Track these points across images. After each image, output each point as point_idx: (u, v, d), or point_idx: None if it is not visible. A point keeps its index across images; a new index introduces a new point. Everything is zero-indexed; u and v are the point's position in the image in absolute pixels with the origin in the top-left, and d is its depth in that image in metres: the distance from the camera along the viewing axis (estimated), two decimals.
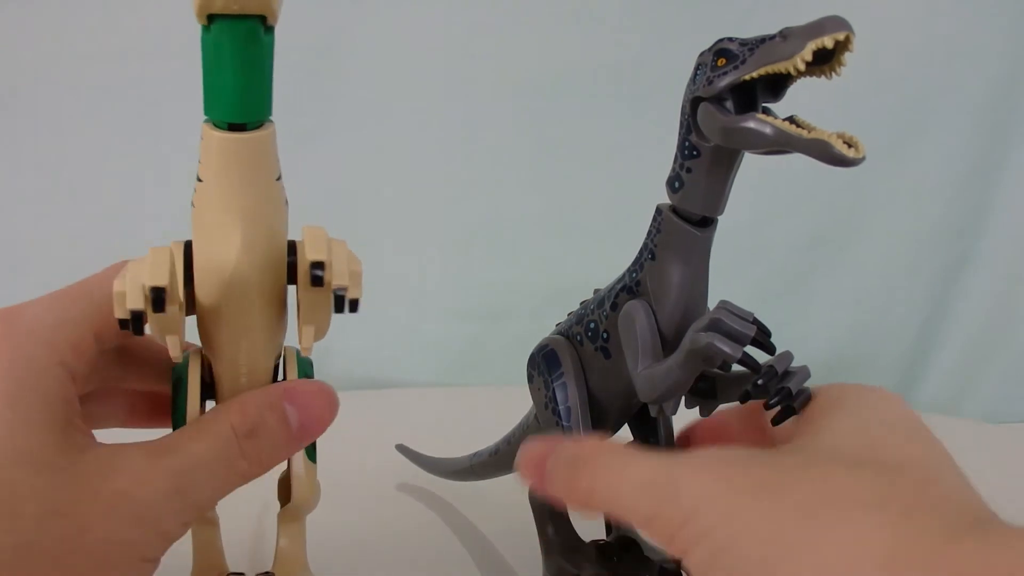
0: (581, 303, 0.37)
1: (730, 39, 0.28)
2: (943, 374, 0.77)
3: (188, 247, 0.28)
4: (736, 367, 0.30)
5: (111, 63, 0.67)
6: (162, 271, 0.26)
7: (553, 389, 0.36)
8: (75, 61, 0.67)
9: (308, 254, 0.27)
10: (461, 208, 0.73)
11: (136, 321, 0.26)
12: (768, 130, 0.27)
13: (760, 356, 0.29)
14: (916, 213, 0.74)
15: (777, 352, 0.30)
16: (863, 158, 0.26)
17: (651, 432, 0.37)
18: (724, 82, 0.28)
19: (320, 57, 0.66)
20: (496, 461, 0.44)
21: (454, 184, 0.72)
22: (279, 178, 0.28)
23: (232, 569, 0.34)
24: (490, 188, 0.72)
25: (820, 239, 0.74)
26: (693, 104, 0.29)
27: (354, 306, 0.28)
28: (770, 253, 0.74)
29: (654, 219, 0.32)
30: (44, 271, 0.72)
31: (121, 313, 0.26)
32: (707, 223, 0.31)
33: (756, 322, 0.29)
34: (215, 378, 0.31)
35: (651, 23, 0.68)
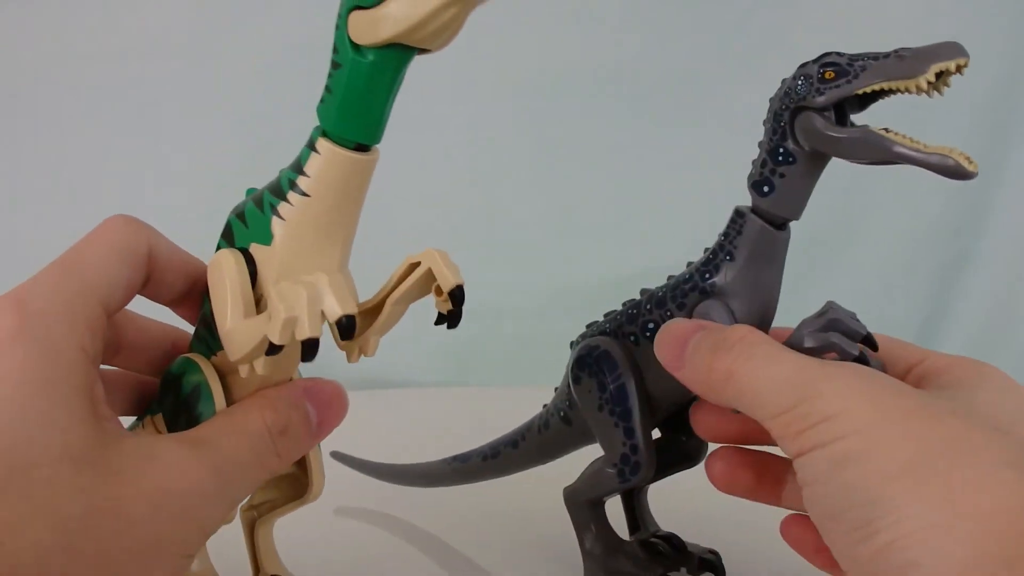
0: (624, 303, 0.37)
1: (838, 53, 0.30)
2: None
3: (246, 255, 0.28)
4: None
5: (111, 63, 0.67)
6: (350, 300, 0.25)
7: (611, 391, 0.36)
8: (75, 61, 0.67)
9: (452, 279, 0.28)
10: (461, 207, 0.73)
11: (313, 348, 0.25)
12: (896, 147, 0.29)
13: None
14: (915, 213, 0.75)
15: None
16: (978, 173, 0.28)
17: (680, 429, 0.37)
18: (839, 94, 0.30)
19: (320, 57, 0.66)
20: (498, 464, 0.44)
21: (454, 184, 0.72)
22: None
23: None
24: (491, 188, 0.72)
25: (819, 239, 0.74)
26: (794, 113, 0.31)
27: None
28: None
29: (733, 221, 0.33)
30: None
31: (284, 339, 0.24)
32: (784, 226, 0.33)
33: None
34: (227, 385, 0.30)
35: (651, 23, 0.68)
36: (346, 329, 0.25)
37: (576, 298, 0.67)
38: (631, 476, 0.36)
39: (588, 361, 0.37)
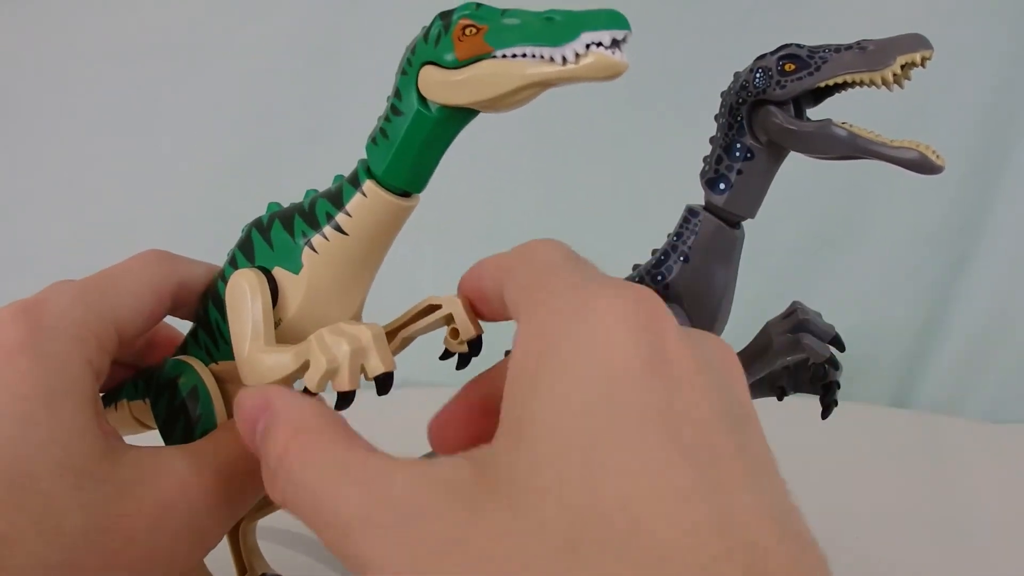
0: None
1: (798, 45, 0.29)
2: (943, 374, 0.77)
3: (268, 276, 0.27)
4: None
5: (111, 63, 0.67)
6: (391, 358, 0.25)
7: None
8: (75, 61, 0.67)
9: (473, 328, 0.29)
10: (461, 207, 0.73)
11: (348, 398, 0.25)
12: (858, 140, 0.28)
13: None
14: (916, 213, 0.74)
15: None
16: (945, 167, 0.28)
17: None
18: (800, 87, 0.28)
19: (320, 57, 0.66)
20: None
21: (454, 183, 0.72)
22: None
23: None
24: (491, 187, 0.72)
25: (820, 240, 0.74)
26: (753, 107, 0.30)
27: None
28: (770, 254, 0.74)
29: (686, 221, 0.32)
30: (44, 271, 0.72)
31: (319, 389, 0.24)
32: (739, 224, 0.32)
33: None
34: (221, 385, 0.30)
35: (651, 23, 0.68)
36: (383, 386, 0.25)
37: None
38: None
39: None
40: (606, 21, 0.22)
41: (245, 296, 0.26)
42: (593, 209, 0.73)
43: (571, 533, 0.17)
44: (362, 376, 0.25)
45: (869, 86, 0.28)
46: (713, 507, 0.17)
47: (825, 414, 0.31)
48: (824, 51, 0.29)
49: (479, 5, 0.24)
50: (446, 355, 0.30)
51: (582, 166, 0.72)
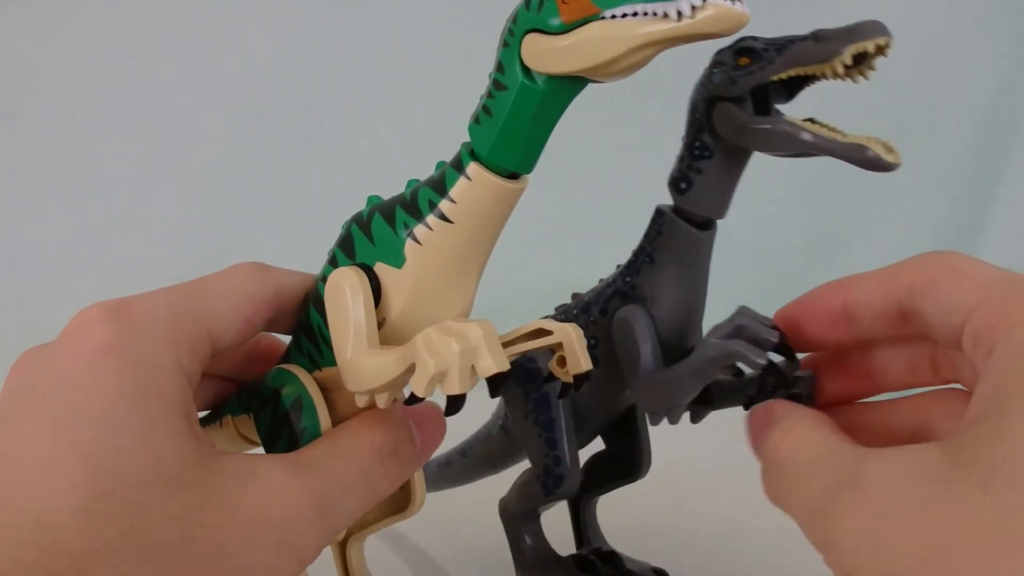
0: (557, 308, 0.36)
1: (753, 38, 0.28)
2: None
3: (369, 273, 0.26)
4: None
5: (111, 63, 0.67)
6: (504, 357, 0.23)
7: (535, 400, 0.34)
8: (75, 61, 0.67)
9: (583, 364, 0.26)
10: None
11: (458, 403, 0.23)
12: (804, 135, 0.26)
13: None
14: (917, 213, 0.74)
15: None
16: (900, 163, 0.26)
17: (632, 442, 0.36)
18: (752, 82, 0.27)
19: (320, 57, 0.66)
20: (450, 473, 0.43)
21: None
22: None
23: None
24: None
25: (820, 240, 0.74)
26: (710, 103, 0.28)
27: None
28: (771, 254, 0.74)
29: (653, 221, 0.31)
30: (44, 271, 0.72)
31: (428, 393, 0.23)
32: (709, 225, 0.30)
33: (776, 328, 0.29)
34: (325, 394, 0.28)
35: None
36: (496, 387, 0.23)
37: None
38: (554, 489, 0.34)
39: (515, 369, 0.36)
40: None
41: (345, 295, 0.25)
42: (593, 209, 0.73)
43: None
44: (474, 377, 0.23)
45: (822, 79, 0.26)
46: None
47: None
48: (780, 43, 0.27)
49: None
50: (550, 378, 0.27)
51: (581, 165, 0.72)
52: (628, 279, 0.32)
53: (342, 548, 0.33)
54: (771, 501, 0.24)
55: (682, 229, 0.30)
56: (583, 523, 0.38)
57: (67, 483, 0.20)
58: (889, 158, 0.26)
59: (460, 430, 0.40)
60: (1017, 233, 0.75)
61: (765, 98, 0.28)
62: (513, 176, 0.25)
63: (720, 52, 0.28)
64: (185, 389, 0.23)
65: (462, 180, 0.25)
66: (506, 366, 0.23)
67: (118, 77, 0.67)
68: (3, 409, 0.22)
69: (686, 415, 0.31)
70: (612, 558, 0.36)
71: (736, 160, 0.29)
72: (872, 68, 0.26)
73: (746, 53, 0.27)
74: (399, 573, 0.44)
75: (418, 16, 0.68)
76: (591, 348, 0.33)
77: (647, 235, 0.31)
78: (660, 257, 0.30)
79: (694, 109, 0.29)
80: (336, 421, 0.27)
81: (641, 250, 0.31)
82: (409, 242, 0.25)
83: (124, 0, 0.66)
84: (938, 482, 0.20)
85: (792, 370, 0.29)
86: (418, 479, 0.31)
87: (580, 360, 0.26)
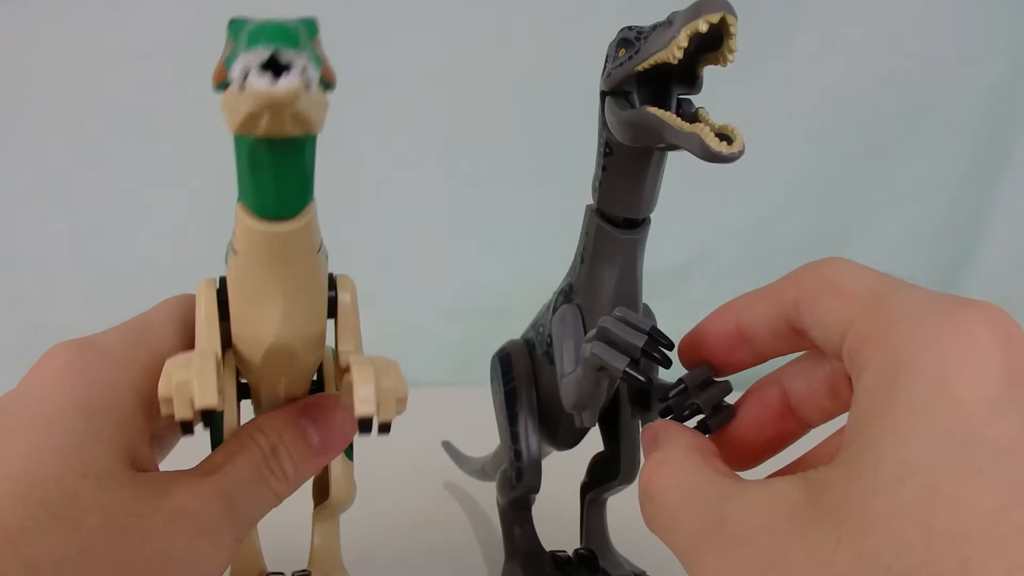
0: (544, 305, 0.36)
1: (629, 27, 0.26)
2: None
3: (222, 285, 0.27)
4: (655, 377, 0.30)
5: (111, 63, 0.67)
6: (211, 389, 0.23)
7: (504, 394, 0.35)
8: (75, 61, 0.67)
9: (358, 407, 0.24)
10: (461, 207, 0.73)
11: (187, 425, 0.24)
12: (650, 122, 0.25)
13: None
14: (917, 213, 0.74)
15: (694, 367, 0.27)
16: (739, 153, 0.23)
17: (615, 444, 0.36)
18: (621, 74, 0.26)
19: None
20: (494, 465, 0.43)
21: (455, 183, 0.72)
22: (319, 249, 0.25)
23: (270, 569, 0.33)
24: (490, 188, 0.72)
25: (820, 239, 0.74)
26: (601, 98, 0.28)
27: (385, 429, 0.26)
28: (771, 254, 0.74)
29: (584, 220, 0.30)
30: (44, 271, 0.72)
31: (167, 412, 0.24)
32: (633, 224, 0.29)
33: (654, 332, 0.27)
34: (251, 386, 0.30)
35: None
36: (205, 420, 0.24)
37: None
38: (517, 482, 0.34)
39: (494, 363, 0.37)
40: (257, 37, 0.18)
41: (199, 304, 0.28)
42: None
43: (895, 567, 0.17)
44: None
45: (675, 63, 0.24)
46: None
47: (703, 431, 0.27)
48: (648, 31, 0.25)
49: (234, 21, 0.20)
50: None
51: (581, 165, 0.72)
52: (568, 279, 0.32)
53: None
54: (647, 526, 0.24)
55: (603, 229, 0.29)
56: (585, 521, 0.38)
57: (6, 473, 0.22)
58: (721, 148, 0.23)
59: None
60: (1017, 233, 0.75)
61: (664, 89, 0.26)
62: (273, 219, 0.23)
63: (609, 45, 0.27)
64: (137, 408, 0.26)
65: (236, 216, 0.24)
66: (211, 401, 0.23)
67: (118, 77, 0.67)
68: None
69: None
70: (591, 559, 0.36)
71: (637, 156, 0.28)
72: (731, 49, 0.24)
73: (622, 44, 0.26)
74: (400, 571, 0.44)
75: (418, 15, 0.68)
76: (548, 347, 0.33)
77: (580, 235, 0.31)
78: (588, 256, 0.30)
79: (600, 106, 0.28)
80: (257, 398, 0.30)
81: (577, 250, 0.31)
82: (227, 272, 0.26)
83: (124, 0, 0.66)
84: (796, 524, 0.19)
85: (700, 377, 0.27)
86: (342, 473, 0.32)
87: (384, 405, 0.25)
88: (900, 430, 0.18)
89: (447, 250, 0.73)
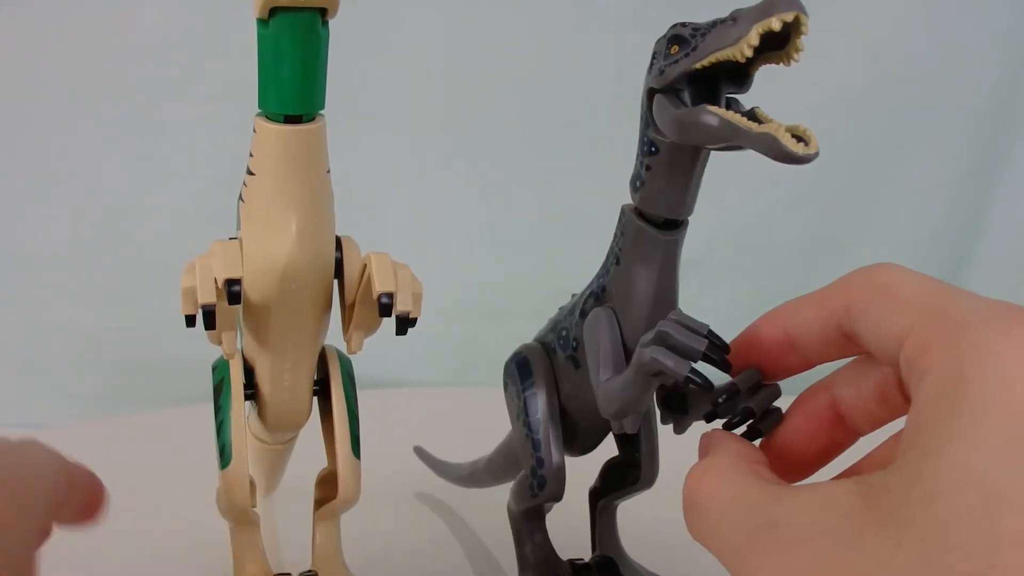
0: (560, 308, 0.35)
1: (683, 24, 0.26)
2: None
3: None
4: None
5: (111, 63, 0.67)
6: (235, 263, 0.26)
7: (524, 399, 0.34)
8: (75, 61, 0.66)
9: (377, 285, 0.28)
10: (461, 207, 0.73)
11: (209, 316, 0.26)
12: (715, 122, 0.24)
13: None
14: (918, 212, 0.74)
15: (742, 371, 0.27)
16: (815, 154, 0.23)
17: (634, 448, 0.35)
18: (676, 71, 0.25)
19: None
20: (490, 471, 0.43)
21: (454, 183, 0.72)
22: (328, 171, 0.28)
23: (275, 571, 0.33)
24: (490, 188, 0.72)
25: (821, 239, 0.74)
26: (649, 96, 0.27)
27: (413, 323, 0.29)
28: (771, 254, 0.74)
29: (619, 221, 0.30)
30: (44, 271, 0.72)
31: (190, 309, 0.26)
32: (673, 225, 0.29)
33: (711, 335, 0.26)
34: (256, 379, 0.32)
35: (652, 23, 0.68)
36: (230, 295, 0.26)
37: None
38: (539, 491, 0.34)
39: (511, 368, 0.36)
40: None
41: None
42: (593, 209, 0.73)
43: (959, 568, 0.17)
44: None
45: (743, 62, 0.23)
46: None
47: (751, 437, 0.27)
48: (706, 28, 0.25)
49: None
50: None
51: (582, 165, 0.72)
52: (600, 280, 0.31)
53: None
54: (693, 537, 0.23)
55: (642, 229, 0.29)
56: (598, 528, 0.38)
57: None
58: (798, 149, 0.23)
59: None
60: (1017, 233, 0.75)
61: (714, 88, 0.26)
62: (295, 120, 0.27)
63: (658, 42, 0.27)
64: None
65: (253, 135, 0.27)
66: (236, 272, 0.26)
67: (118, 77, 0.67)
68: None
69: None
70: (610, 566, 0.36)
71: (686, 155, 0.27)
72: (798, 49, 0.23)
73: (675, 41, 0.26)
74: (427, 563, 0.44)
75: (419, 14, 0.68)
76: (573, 351, 0.33)
77: (615, 235, 0.30)
78: (624, 258, 0.29)
79: (642, 103, 0.28)
80: (262, 393, 0.31)
81: (610, 251, 0.30)
82: (240, 204, 0.28)
83: (124, 0, 0.66)
84: (853, 527, 0.19)
85: (750, 380, 0.26)
86: (350, 472, 0.33)
87: (376, 282, 0.28)
88: (963, 436, 0.18)
89: (447, 250, 0.73)
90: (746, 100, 0.27)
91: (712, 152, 0.28)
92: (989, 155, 0.73)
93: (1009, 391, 0.18)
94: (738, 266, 0.74)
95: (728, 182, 0.71)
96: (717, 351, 0.26)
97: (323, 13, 0.25)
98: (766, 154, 0.23)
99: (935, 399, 0.20)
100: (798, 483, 0.23)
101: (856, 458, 0.26)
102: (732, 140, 0.24)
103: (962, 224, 0.75)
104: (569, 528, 0.38)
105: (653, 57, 0.27)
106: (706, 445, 0.26)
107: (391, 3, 0.67)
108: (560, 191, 0.73)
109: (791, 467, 0.26)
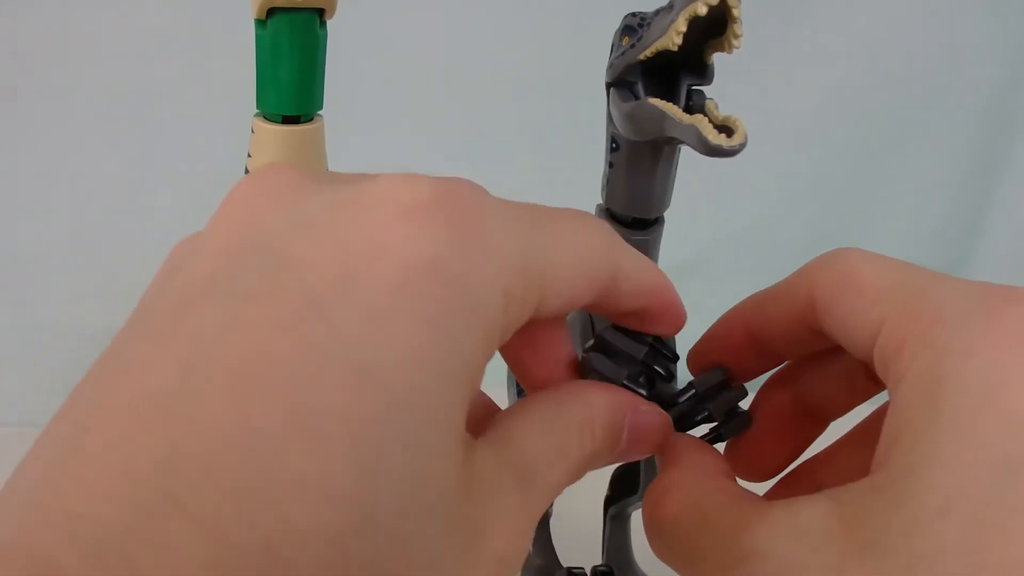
0: None
1: (633, 14, 0.25)
2: None
3: None
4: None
5: (111, 63, 0.67)
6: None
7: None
8: (75, 61, 0.66)
9: None
10: None
11: None
12: (651, 113, 0.23)
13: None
14: (918, 212, 0.74)
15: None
16: (740, 146, 0.22)
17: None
18: (623, 64, 0.24)
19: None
20: None
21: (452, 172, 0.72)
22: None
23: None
24: (490, 188, 0.72)
25: (820, 239, 0.74)
26: (607, 90, 0.26)
27: None
28: (771, 254, 0.74)
29: None
30: (44, 271, 0.72)
31: None
32: (643, 224, 0.27)
33: (656, 343, 0.24)
34: None
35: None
36: None
37: None
38: None
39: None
40: None
41: None
42: (592, 210, 0.73)
43: None
44: None
45: (675, 50, 0.22)
46: None
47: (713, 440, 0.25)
48: (651, 17, 0.24)
49: None
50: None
51: (582, 165, 0.72)
52: None
53: None
54: (659, 558, 0.22)
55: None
56: (607, 537, 0.37)
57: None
58: (719, 141, 0.21)
59: None
60: (1017, 233, 0.75)
61: (672, 78, 0.24)
62: (293, 121, 0.28)
63: (615, 33, 0.26)
64: (481, 370, 0.18)
65: (252, 135, 0.28)
66: None
67: (118, 76, 0.67)
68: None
69: None
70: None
71: (644, 151, 0.26)
72: (736, 34, 0.22)
73: (626, 32, 0.25)
74: None
75: (419, 14, 0.68)
76: None
77: None
78: None
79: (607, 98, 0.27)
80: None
81: None
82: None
83: (124, 0, 0.66)
84: (832, 557, 0.17)
85: (710, 381, 0.25)
86: None
87: None
88: (944, 454, 0.17)
89: None
90: (745, 98, 0.26)
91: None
92: (989, 155, 0.73)
93: (990, 400, 0.17)
94: (739, 267, 0.74)
95: (728, 182, 0.71)
96: (657, 359, 0.24)
97: (321, 14, 0.25)
98: (693, 147, 0.22)
99: (912, 406, 0.18)
100: (767, 486, 0.22)
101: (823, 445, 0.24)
102: (667, 132, 0.23)
103: (962, 224, 0.75)
104: (581, 536, 0.37)
105: (611, 50, 0.26)
106: (667, 453, 0.23)
107: (390, 3, 0.67)
108: (560, 191, 0.72)
109: (759, 468, 0.25)
